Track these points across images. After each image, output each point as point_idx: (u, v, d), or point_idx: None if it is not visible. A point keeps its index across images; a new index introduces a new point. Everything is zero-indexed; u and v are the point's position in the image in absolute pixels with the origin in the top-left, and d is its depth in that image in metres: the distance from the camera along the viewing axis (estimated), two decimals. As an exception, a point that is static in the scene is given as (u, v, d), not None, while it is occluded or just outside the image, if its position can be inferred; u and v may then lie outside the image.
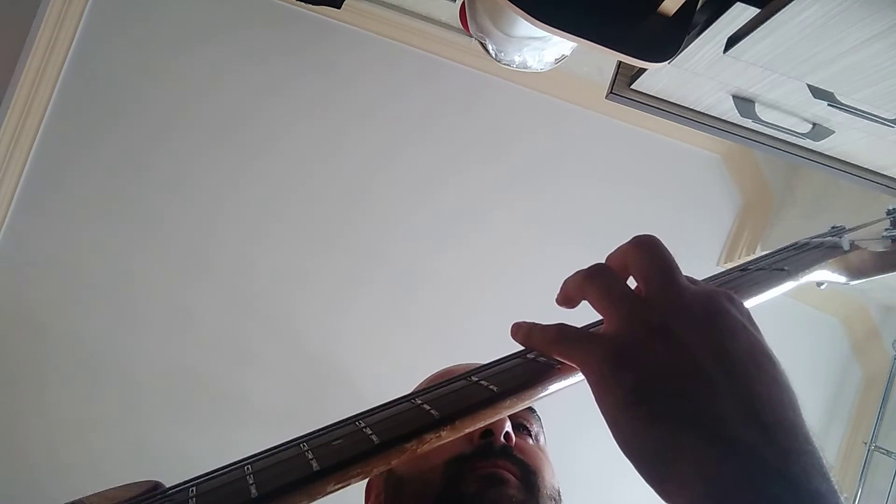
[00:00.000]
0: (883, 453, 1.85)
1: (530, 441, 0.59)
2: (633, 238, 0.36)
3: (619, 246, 0.37)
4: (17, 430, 1.83)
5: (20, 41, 1.79)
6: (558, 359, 0.36)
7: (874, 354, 1.99)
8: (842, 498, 0.27)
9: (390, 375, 1.85)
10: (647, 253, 0.35)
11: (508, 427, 0.55)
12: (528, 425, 0.60)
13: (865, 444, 1.89)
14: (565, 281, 0.38)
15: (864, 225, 0.54)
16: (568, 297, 0.38)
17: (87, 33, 1.85)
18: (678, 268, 0.34)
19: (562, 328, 0.36)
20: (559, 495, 0.57)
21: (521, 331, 0.39)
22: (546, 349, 0.36)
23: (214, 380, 1.87)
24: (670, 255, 0.35)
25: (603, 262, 0.38)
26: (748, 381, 0.30)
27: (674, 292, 0.33)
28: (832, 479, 0.27)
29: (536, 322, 0.38)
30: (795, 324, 1.99)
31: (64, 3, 1.81)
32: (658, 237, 0.36)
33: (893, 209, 0.52)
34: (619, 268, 0.37)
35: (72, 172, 1.86)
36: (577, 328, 0.36)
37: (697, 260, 1.98)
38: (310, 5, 1.71)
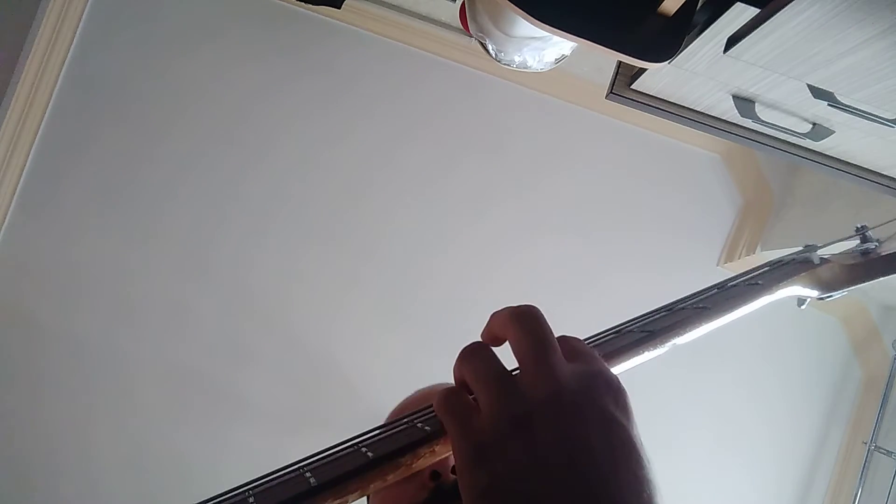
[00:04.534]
0: (883, 453, 1.85)
1: None
2: (512, 309, 0.34)
3: (500, 311, 0.35)
4: (14, 429, 1.83)
5: (20, 41, 1.79)
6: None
7: (874, 354, 2.00)
8: None
9: (387, 374, 1.85)
10: (521, 326, 0.33)
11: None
12: None
13: (865, 444, 1.89)
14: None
15: (835, 241, 0.56)
16: (456, 379, 0.36)
17: (87, 33, 1.85)
18: (553, 343, 0.33)
19: (449, 396, 0.33)
20: None
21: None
22: (436, 405, 0.34)
23: (212, 378, 1.87)
24: (546, 327, 0.33)
25: (480, 339, 0.36)
26: (603, 483, 0.28)
27: (543, 376, 0.31)
28: None
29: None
30: (795, 324, 1.99)
31: (64, 3, 1.81)
32: (537, 307, 0.34)
33: (862, 226, 0.55)
34: (499, 340, 0.35)
35: (71, 172, 1.86)
36: (465, 398, 0.33)
37: (697, 260, 1.99)
38: (310, 5, 1.71)
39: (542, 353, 0.32)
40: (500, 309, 0.35)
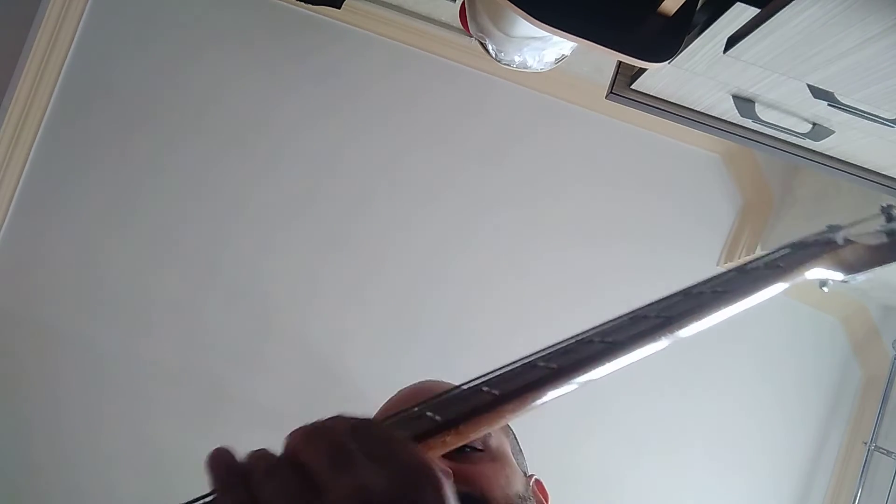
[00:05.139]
0: (883, 453, 1.85)
1: (478, 452, 0.59)
2: (299, 429, 0.31)
3: (294, 431, 0.32)
4: (23, 433, 1.82)
5: (20, 41, 1.78)
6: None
7: (874, 354, 1.99)
8: None
9: (398, 379, 1.84)
10: (313, 443, 0.30)
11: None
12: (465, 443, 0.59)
13: (865, 444, 1.89)
14: None
15: (859, 221, 0.54)
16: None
17: (87, 33, 1.85)
18: (353, 450, 0.29)
19: (285, 486, 0.29)
20: (525, 494, 0.58)
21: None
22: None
23: (223, 382, 1.87)
24: (341, 436, 0.30)
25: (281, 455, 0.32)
26: None
27: (346, 488, 0.27)
28: None
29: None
30: (795, 324, 1.99)
31: (64, 3, 1.81)
32: (332, 419, 0.32)
33: (888, 205, 0.53)
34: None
35: (71, 172, 1.86)
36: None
37: (697, 260, 1.98)
38: (310, 5, 1.71)
39: (341, 463, 0.28)
40: (295, 429, 0.32)
